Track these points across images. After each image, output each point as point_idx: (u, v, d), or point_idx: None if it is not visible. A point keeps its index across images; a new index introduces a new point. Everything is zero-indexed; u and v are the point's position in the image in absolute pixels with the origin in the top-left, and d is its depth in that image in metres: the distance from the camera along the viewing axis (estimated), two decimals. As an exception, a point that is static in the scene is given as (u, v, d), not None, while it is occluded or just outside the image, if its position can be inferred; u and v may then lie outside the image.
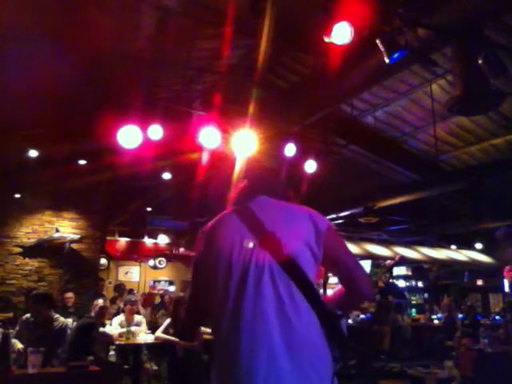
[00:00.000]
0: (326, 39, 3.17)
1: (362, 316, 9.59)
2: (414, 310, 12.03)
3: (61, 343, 4.17)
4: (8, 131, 6.06)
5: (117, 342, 5.46)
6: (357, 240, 11.10)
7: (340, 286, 1.59)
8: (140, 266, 13.80)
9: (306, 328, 1.33)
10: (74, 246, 7.18)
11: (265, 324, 1.31)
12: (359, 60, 4.07)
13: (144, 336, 5.69)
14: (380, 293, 8.33)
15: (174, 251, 13.12)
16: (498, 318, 10.52)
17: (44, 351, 3.54)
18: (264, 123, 5.09)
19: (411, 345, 8.42)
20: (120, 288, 8.90)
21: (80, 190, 7.16)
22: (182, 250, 12.85)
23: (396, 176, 8.06)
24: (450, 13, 3.31)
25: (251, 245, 1.43)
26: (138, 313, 6.28)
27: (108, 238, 11.11)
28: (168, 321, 5.02)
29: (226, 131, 4.87)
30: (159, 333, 4.93)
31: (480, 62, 3.32)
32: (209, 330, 5.01)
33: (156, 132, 4.70)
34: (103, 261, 10.99)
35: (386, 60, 3.28)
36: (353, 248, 10.52)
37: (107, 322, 5.72)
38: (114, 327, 5.68)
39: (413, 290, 14.34)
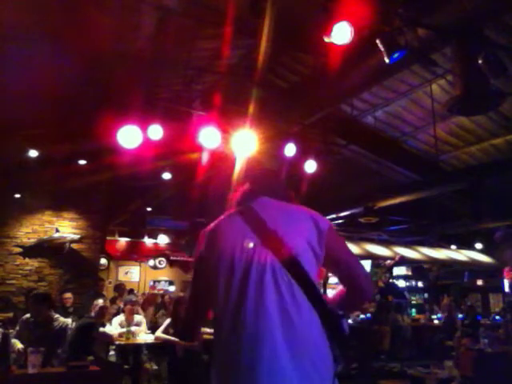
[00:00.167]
0: (326, 39, 3.17)
1: (362, 316, 9.59)
2: (414, 310, 12.03)
3: (61, 343, 4.17)
4: (8, 131, 6.06)
5: (117, 342, 5.46)
6: (357, 240, 11.10)
7: (341, 287, 1.59)
8: (140, 266, 13.80)
9: (307, 327, 1.34)
10: (74, 246, 7.18)
11: (267, 324, 1.31)
12: (359, 60, 4.07)
13: (144, 336, 5.69)
14: (380, 293, 8.33)
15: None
16: (498, 317, 10.52)
17: (44, 351, 3.54)
18: (264, 123, 5.09)
19: (411, 345, 8.42)
20: (120, 288, 8.91)
21: (80, 190, 7.16)
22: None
23: (396, 176, 8.06)
24: (450, 13, 3.31)
25: (253, 244, 1.43)
26: (138, 313, 6.28)
27: (108, 238, 11.12)
28: (168, 321, 5.02)
29: (225, 131, 4.87)
30: (159, 333, 4.93)
31: (480, 61, 3.32)
32: (209, 330, 5.02)
33: (156, 132, 4.70)
34: (103, 261, 11.00)
35: (386, 60, 3.28)
36: (353, 248, 10.52)
37: (107, 322, 5.72)
38: (114, 327, 5.68)
39: (413, 290, 14.35)
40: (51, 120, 6.09)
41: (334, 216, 9.44)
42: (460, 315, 9.44)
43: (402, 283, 13.96)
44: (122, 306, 6.62)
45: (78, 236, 7.19)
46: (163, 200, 9.46)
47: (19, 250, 6.95)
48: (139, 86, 5.36)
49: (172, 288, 13.38)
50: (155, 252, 13.14)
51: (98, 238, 7.62)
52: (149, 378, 5.74)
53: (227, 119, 5.04)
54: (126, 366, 5.40)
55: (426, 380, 4.78)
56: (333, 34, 3.13)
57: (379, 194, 8.20)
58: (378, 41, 3.25)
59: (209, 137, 4.63)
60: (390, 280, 8.95)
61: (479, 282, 13.66)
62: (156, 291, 12.74)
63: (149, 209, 10.78)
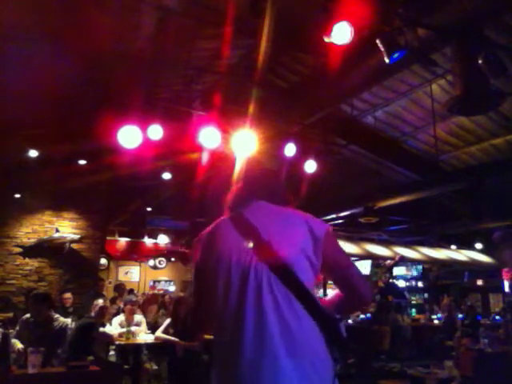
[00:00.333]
0: (326, 39, 3.17)
1: (362, 316, 9.59)
2: (414, 310, 12.02)
3: (61, 343, 4.17)
4: (8, 131, 6.06)
5: (117, 342, 5.46)
6: (357, 240, 11.10)
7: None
8: (140, 266, 13.81)
9: (306, 334, 1.34)
10: (74, 246, 7.18)
11: (267, 336, 1.31)
12: (359, 60, 4.07)
13: (144, 336, 5.69)
14: (380, 293, 8.32)
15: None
16: (498, 317, 10.52)
17: (44, 351, 3.54)
18: (264, 123, 5.09)
19: (411, 345, 8.41)
20: (120, 288, 8.92)
21: (80, 189, 7.15)
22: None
23: (396, 176, 8.06)
24: (450, 13, 3.31)
25: (248, 256, 1.41)
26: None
27: (108, 238, 11.11)
28: (168, 321, 5.02)
29: (226, 131, 4.87)
30: (159, 333, 4.93)
31: (480, 61, 3.32)
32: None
33: (156, 132, 4.70)
34: (103, 261, 11.00)
35: (386, 60, 3.28)
36: (353, 248, 10.52)
37: (107, 322, 5.72)
38: (113, 327, 5.68)
39: (413, 290, 14.34)
40: (51, 120, 6.09)
41: (334, 216, 9.44)
42: (460, 315, 9.44)
43: (402, 283, 13.96)
44: (121, 305, 6.63)
45: (78, 236, 7.18)
46: (163, 200, 9.46)
47: (19, 249, 6.95)
48: (139, 86, 5.36)
49: (172, 288, 13.39)
50: (155, 252, 13.14)
51: (98, 238, 7.62)
52: (149, 378, 5.75)
53: (227, 119, 5.04)
54: (126, 366, 5.40)
55: (426, 380, 4.78)
56: (333, 34, 3.13)
57: (379, 194, 8.20)
58: (377, 41, 3.25)
59: (209, 137, 4.62)
60: (390, 280, 8.94)
61: (479, 282, 13.66)
62: (156, 291, 12.75)
63: (149, 209, 10.78)
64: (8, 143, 6.35)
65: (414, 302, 13.53)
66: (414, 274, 14.00)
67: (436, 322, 10.61)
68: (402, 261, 10.38)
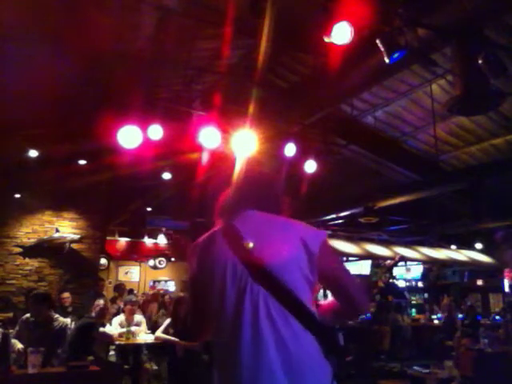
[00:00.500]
0: (326, 39, 3.17)
1: (362, 316, 9.59)
2: (414, 310, 12.03)
3: (61, 343, 4.17)
4: (8, 131, 6.06)
5: (117, 342, 5.46)
6: (357, 240, 11.10)
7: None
8: (140, 266, 13.80)
9: (303, 348, 1.33)
10: (74, 246, 7.18)
11: (265, 358, 1.30)
12: (359, 60, 4.07)
13: (144, 336, 5.69)
14: (380, 293, 8.32)
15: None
16: (498, 318, 10.52)
17: (44, 351, 3.55)
18: (264, 123, 5.09)
19: (411, 345, 8.42)
20: (120, 288, 8.93)
21: (80, 189, 7.15)
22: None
23: (396, 176, 8.06)
24: (450, 13, 3.31)
25: (243, 275, 1.38)
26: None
27: (108, 238, 11.12)
28: (168, 321, 5.02)
29: (226, 131, 4.87)
30: (159, 333, 4.94)
31: (480, 62, 3.31)
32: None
33: (156, 132, 4.70)
34: (103, 261, 10.99)
35: (386, 60, 3.27)
36: (353, 248, 10.53)
37: (107, 322, 5.72)
38: (114, 327, 5.69)
39: (413, 290, 14.35)
40: (51, 120, 6.09)
41: (333, 216, 9.44)
42: (460, 315, 9.45)
43: (402, 283, 13.97)
44: (121, 305, 6.63)
45: (78, 236, 7.18)
46: (163, 200, 9.46)
47: (19, 249, 6.95)
48: (139, 86, 5.36)
49: (172, 288, 13.38)
50: (155, 252, 13.14)
51: (98, 238, 7.62)
52: (149, 378, 5.75)
53: (227, 119, 5.04)
54: (126, 366, 5.41)
55: (426, 380, 4.78)
56: (333, 34, 3.13)
57: (379, 194, 8.20)
58: (377, 41, 3.25)
59: (209, 137, 4.63)
60: (390, 280, 8.94)
61: (479, 282, 13.66)
62: (156, 291, 12.73)
63: (149, 209, 10.78)
64: (8, 143, 6.35)
65: (413, 302, 13.53)
66: (415, 276, 14.00)
67: (436, 321, 10.62)
68: (402, 261, 10.37)
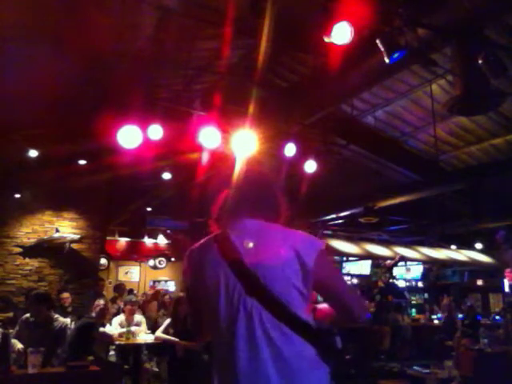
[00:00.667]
0: (326, 39, 3.17)
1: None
2: (414, 310, 12.02)
3: (61, 343, 4.17)
4: (8, 131, 6.06)
5: (117, 342, 5.46)
6: (357, 240, 11.10)
7: None
8: (140, 266, 13.80)
9: (299, 356, 1.34)
10: (74, 245, 7.17)
11: (261, 367, 1.31)
12: (359, 60, 4.07)
13: (144, 336, 5.69)
14: (380, 293, 8.32)
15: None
16: (498, 318, 10.52)
17: (44, 351, 3.55)
18: (264, 123, 5.09)
19: (411, 345, 8.41)
20: (120, 288, 8.93)
21: (80, 189, 7.14)
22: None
23: (396, 176, 8.06)
24: (450, 13, 3.32)
25: (236, 288, 1.38)
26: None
27: (108, 238, 11.10)
28: (168, 321, 5.02)
29: (225, 131, 4.87)
30: (159, 333, 4.93)
31: (480, 61, 3.32)
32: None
33: (156, 132, 4.70)
34: (103, 261, 10.99)
35: (386, 60, 3.28)
36: (353, 248, 10.53)
37: (107, 322, 5.72)
38: (114, 327, 5.69)
39: (413, 290, 14.34)
40: (51, 120, 6.09)
41: (333, 216, 9.44)
42: (460, 315, 9.44)
43: (402, 283, 13.96)
44: (122, 306, 6.63)
45: (78, 236, 7.18)
46: (163, 200, 9.46)
47: (19, 249, 6.94)
48: (139, 85, 5.36)
49: (172, 288, 13.38)
50: (155, 252, 13.14)
51: (98, 238, 7.62)
52: (149, 378, 5.75)
53: (227, 119, 5.04)
54: (126, 366, 5.41)
55: (425, 380, 4.79)
56: (333, 34, 3.13)
57: (379, 194, 8.21)
58: (377, 41, 3.25)
59: (209, 137, 4.62)
60: (390, 280, 8.94)
61: (479, 282, 13.67)
62: (156, 290, 12.73)
63: (149, 209, 10.78)
64: (8, 143, 6.35)
65: (414, 302, 13.53)
66: (415, 276, 13.99)
67: (436, 321, 10.61)
68: (402, 261, 10.37)
